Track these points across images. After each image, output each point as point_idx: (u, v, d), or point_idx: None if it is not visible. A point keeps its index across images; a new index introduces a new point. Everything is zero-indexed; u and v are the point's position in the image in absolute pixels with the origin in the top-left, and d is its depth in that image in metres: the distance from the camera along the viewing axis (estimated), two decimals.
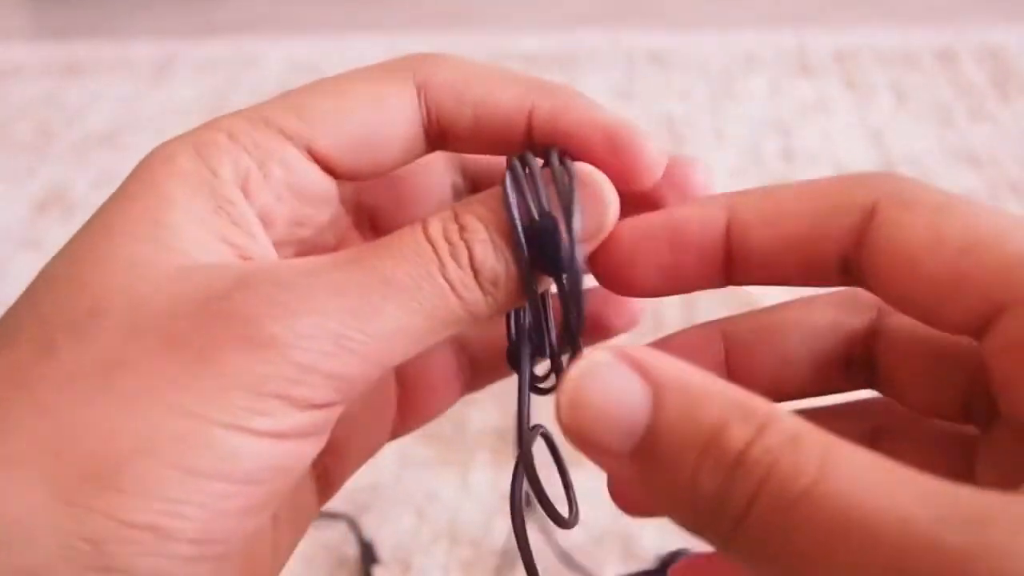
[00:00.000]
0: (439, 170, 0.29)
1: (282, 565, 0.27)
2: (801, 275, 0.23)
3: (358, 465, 0.31)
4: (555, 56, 1.02)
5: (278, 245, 0.24)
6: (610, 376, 0.17)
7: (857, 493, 0.15)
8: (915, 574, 0.14)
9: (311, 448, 0.22)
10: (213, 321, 0.20)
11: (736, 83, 0.94)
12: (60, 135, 0.91)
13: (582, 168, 0.24)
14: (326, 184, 0.25)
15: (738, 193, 0.24)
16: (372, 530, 0.51)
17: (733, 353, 0.27)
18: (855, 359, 0.26)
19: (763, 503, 0.16)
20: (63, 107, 0.97)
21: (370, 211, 0.29)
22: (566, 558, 0.49)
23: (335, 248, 0.27)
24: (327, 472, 0.30)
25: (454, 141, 0.26)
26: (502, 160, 0.25)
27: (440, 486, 0.54)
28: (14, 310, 0.22)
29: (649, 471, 0.17)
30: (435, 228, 0.22)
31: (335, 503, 0.55)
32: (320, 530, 0.52)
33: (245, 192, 0.23)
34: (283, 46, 1.08)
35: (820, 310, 0.26)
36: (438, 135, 0.25)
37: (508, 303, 0.24)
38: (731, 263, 0.24)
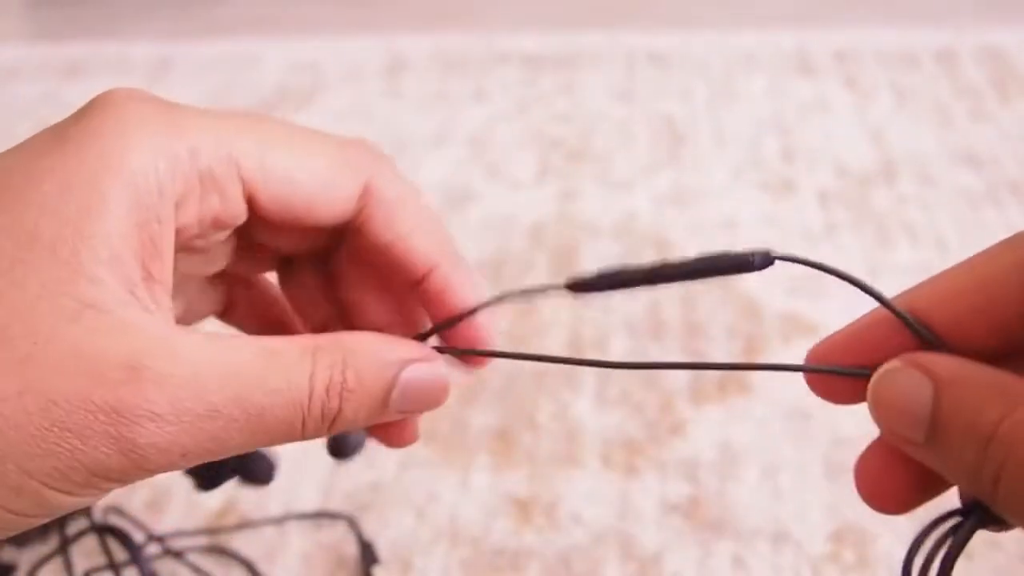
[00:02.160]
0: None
1: None
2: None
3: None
4: (555, 56, 1.02)
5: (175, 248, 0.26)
6: (900, 377, 0.22)
7: None
8: None
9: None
10: (85, 404, 0.21)
11: (736, 83, 0.94)
12: None
13: None
14: (244, 218, 0.26)
15: (911, 291, 0.26)
16: (372, 530, 0.51)
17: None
18: None
19: (1007, 476, 0.19)
20: (63, 107, 0.96)
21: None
22: (565, 558, 0.49)
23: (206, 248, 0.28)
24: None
25: (360, 240, 0.28)
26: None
27: (440, 486, 0.53)
28: None
29: (939, 453, 0.21)
30: (321, 378, 0.24)
31: (335, 503, 0.55)
32: (320, 530, 0.52)
33: (177, 206, 0.24)
34: (283, 46, 1.08)
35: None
36: (355, 228, 0.28)
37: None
38: None
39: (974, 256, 0.24)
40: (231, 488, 0.54)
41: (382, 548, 0.50)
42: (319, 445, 0.56)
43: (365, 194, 0.27)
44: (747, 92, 0.92)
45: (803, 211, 0.75)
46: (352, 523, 0.51)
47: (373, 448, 0.57)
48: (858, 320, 0.26)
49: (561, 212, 0.76)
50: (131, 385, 0.22)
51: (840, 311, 0.68)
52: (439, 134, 0.88)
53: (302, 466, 0.55)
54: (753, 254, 0.25)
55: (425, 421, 0.59)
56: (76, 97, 1.04)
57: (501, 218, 0.75)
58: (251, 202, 0.26)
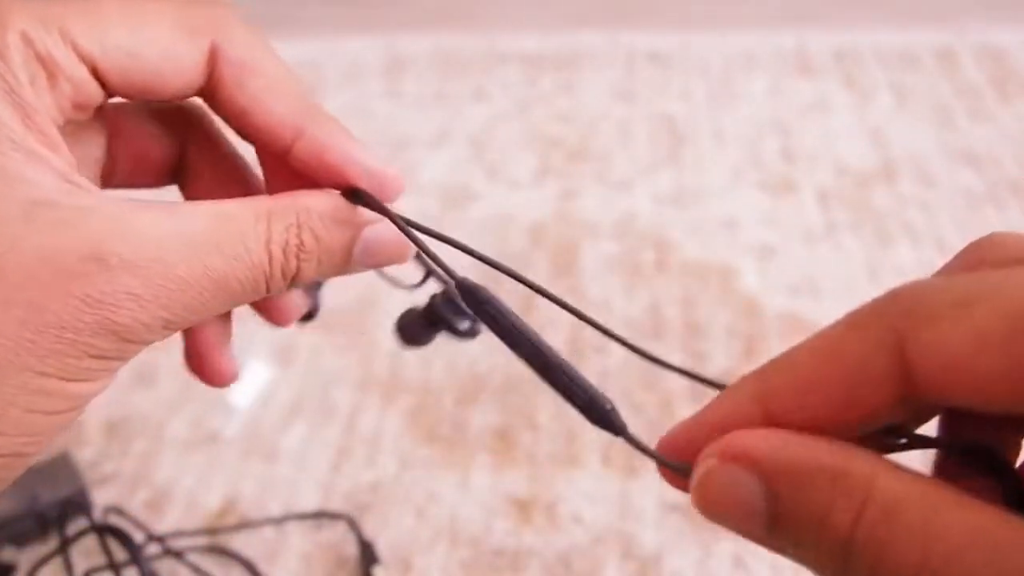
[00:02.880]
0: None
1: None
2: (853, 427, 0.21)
3: None
4: (555, 56, 1.02)
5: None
6: (721, 480, 0.20)
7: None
8: None
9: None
10: (67, 300, 0.22)
11: (736, 83, 0.94)
12: None
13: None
14: (102, 95, 0.26)
15: (760, 378, 0.22)
16: (372, 530, 0.51)
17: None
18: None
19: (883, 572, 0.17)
20: None
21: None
22: (565, 558, 0.49)
23: (78, 124, 0.27)
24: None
25: (220, 109, 0.27)
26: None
27: (440, 486, 0.53)
28: None
29: (784, 545, 0.19)
30: (277, 242, 0.25)
31: (335, 503, 0.55)
32: (320, 530, 0.52)
33: (38, 96, 0.24)
34: (283, 46, 1.08)
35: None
36: (209, 96, 0.27)
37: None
38: None
39: (824, 338, 0.21)
40: (231, 488, 0.54)
41: (382, 548, 0.50)
42: (318, 445, 0.56)
43: (212, 58, 0.26)
44: (747, 92, 0.92)
45: (803, 211, 0.74)
46: (352, 523, 0.51)
47: (373, 448, 0.57)
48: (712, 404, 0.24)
49: (561, 212, 0.76)
50: (104, 274, 0.22)
51: (840, 311, 0.68)
52: (439, 134, 0.88)
53: (302, 466, 0.55)
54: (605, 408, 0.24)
55: (425, 421, 0.59)
56: None
57: (501, 218, 0.75)
58: (97, 79, 0.25)
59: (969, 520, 0.17)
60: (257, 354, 0.62)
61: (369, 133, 0.89)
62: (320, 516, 0.52)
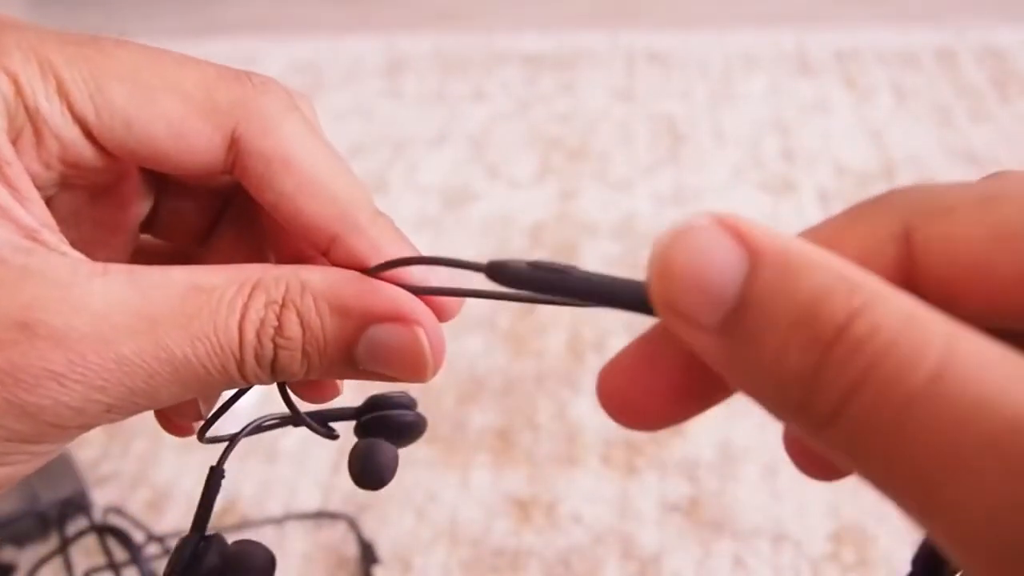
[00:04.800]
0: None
1: None
2: None
3: None
4: (555, 56, 1.02)
5: (42, 192, 0.22)
6: (704, 240, 0.16)
7: (989, 391, 0.13)
8: None
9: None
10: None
11: (736, 83, 0.94)
12: None
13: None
14: (98, 158, 0.22)
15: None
16: (372, 530, 0.51)
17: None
18: None
19: (870, 392, 0.14)
20: None
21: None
22: (565, 558, 0.49)
23: (108, 187, 0.24)
24: None
25: (248, 189, 0.23)
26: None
27: (440, 486, 0.53)
28: None
29: (737, 347, 0.16)
30: (252, 320, 0.21)
31: (335, 503, 0.55)
32: (320, 530, 0.52)
33: (16, 147, 0.21)
34: (283, 46, 1.08)
35: None
36: (237, 172, 0.23)
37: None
38: None
39: (825, 227, 0.19)
40: (231, 488, 0.54)
41: (382, 548, 0.50)
42: (319, 445, 0.56)
43: (235, 145, 0.22)
44: (747, 92, 0.92)
45: (803, 211, 0.74)
46: (352, 523, 0.51)
47: None
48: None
49: (561, 212, 0.76)
50: (23, 345, 0.19)
51: None
52: (439, 134, 0.88)
53: (302, 466, 0.55)
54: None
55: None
56: None
57: (501, 218, 0.75)
58: (97, 144, 0.22)
59: (994, 346, 0.14)
60: None
61: (369, 133, 0.89)
62: (320, 516, 0.52)
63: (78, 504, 0.51)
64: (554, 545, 0.50)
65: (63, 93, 0.21)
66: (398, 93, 0.97)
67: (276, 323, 0.21)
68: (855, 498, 0.51)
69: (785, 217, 0.74)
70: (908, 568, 0.20)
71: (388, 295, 0.22)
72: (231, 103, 0.22)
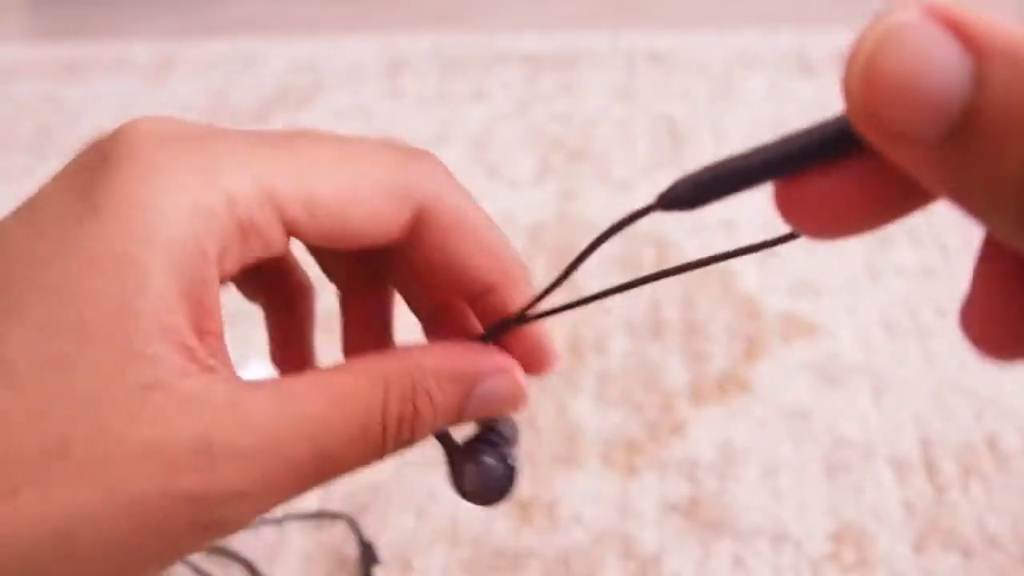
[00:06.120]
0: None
1: None
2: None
3: None
4: (555, 56, 1.02)
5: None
6: (919, 39, 0.13)
7: None
8: None
9: None
10: (163, 502, 0.21)
11: (736, 83, 0.94)
12: (60, 135, 0.91)
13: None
14: (286, 250, 0.25)
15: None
16: (372, 530, 0.51)
17: None
18: None
19: None
20: (63, 107, 0.97)
21: None
22: (565, 558, 0.49)
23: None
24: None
25: (409, 260, 0.26)
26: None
27: (440, 486, 0.53)
28: None
29: (965, 160, 0.14)
30: (393, 410, 0.23)
31: (335, 503, 0.55)
32: (320, 530, 0.52)
33: (219, 262, 0.22)
34: (283, 46, 1.08)
35: None
36: (399, 247, 0.26)
37: None
38: None
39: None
40: None
41: (382, 548, 0.50)
42: None
43: (418, 216, 0.25)
44: (747, 92, 0.92)
45: None
46: (352, 523, 0.51)
47: None
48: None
49: (561, 212, 0.76)
50: (207, 471, 0.21)
51: (840, 311, 0.68)
52: (439, 134, 0.88)
53: None
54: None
55: None
56: (76, 97, 1.04)
57: (501, 218, 0.75)
58: (295, 234, 0.24)
59: None
60: (257, 354, 0.62)
61: (369, 133, 0.89)
62: (320, 516, 0.52)
63: None
64: (554, 545, 0.50)
65: (274, 200, 0.23)
66: (398, 93, 0.97)
67: (412, 409, 0.24)
68: (855, 498, 0.51)
69: None
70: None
71: (491, 353, 0.26)
72: (418, 181, 0.25)
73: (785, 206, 0.17)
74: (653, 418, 0.56)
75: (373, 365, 0.24)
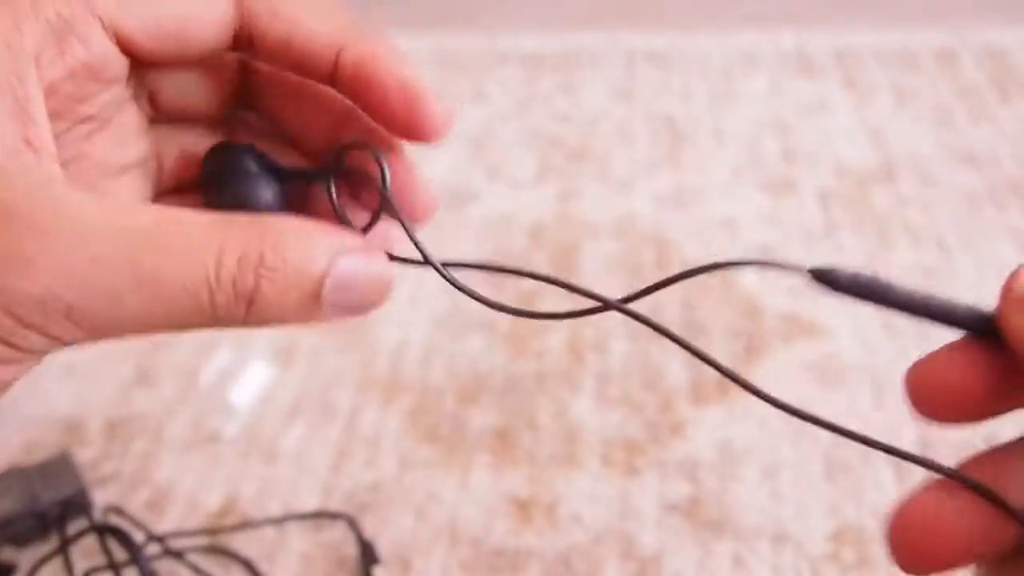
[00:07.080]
0: (228, 64, 0.28)
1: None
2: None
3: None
4: (555, 56, 1.02)
5: (54, 117, 0.23)
6: None
7: None
8: None
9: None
10: None
11: (736, 83, 0.94)
12: None
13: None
14: (121, 64, 0.24)
15: None
16: (372, 530, 0.51)
17: None
18: None
19: None
20: None
21: (150, 88, 0.28)
22: (565, 558, 0.49)
23: (107, 121, 0.26)
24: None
25: (259, 52, 0.26)
26: (294, 78, 0.27)
27: (440, 486, 0.53)
28: None
29: None
30: (232, 249, 0.22)
31: (335, 503, 0.55)
32: (320, 530, 0.52)
33: (37, 64, 0.22)
34: None
35: None
36: (245, 41, 0.26)
37: None
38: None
39: None
40: (231, 488, 0.54)
41: (382, 548, 0.50)
42: (318, 445, 0.56)
43: (244, 12, 0.25)
44: (747, 92, 0.92)
45: (803, 211, 0.74)
46: (352, 523, 0.51)
47: (373, 448, 0.57)
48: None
49: (561, 212, 0.76)
50: None
51: (840, 312, 0.68)
52: None
53: (302, 466, 0.55)
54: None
55: (425, 421, 0.59)
56: None
57: (501, 218, 0.75)
58: (120, 42, 0.24)
59: None
60: (257, 354, 0.62)
61: None
62: (320, 516, 0.52)
63: (78, 504, 0.51)
64: (554, 545, 0.50)
65: (104, 10, 0.23)
66: None
67: (258, 253, 0.22)
68: (855, 498, 0.51)
69: (785, 217, 0.74)
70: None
71: (349, 234, 0.24)
72: None
73: (916, 391, 0.21)
74: (653, 418, 0.56)
75: (226, 215, 0.22)
